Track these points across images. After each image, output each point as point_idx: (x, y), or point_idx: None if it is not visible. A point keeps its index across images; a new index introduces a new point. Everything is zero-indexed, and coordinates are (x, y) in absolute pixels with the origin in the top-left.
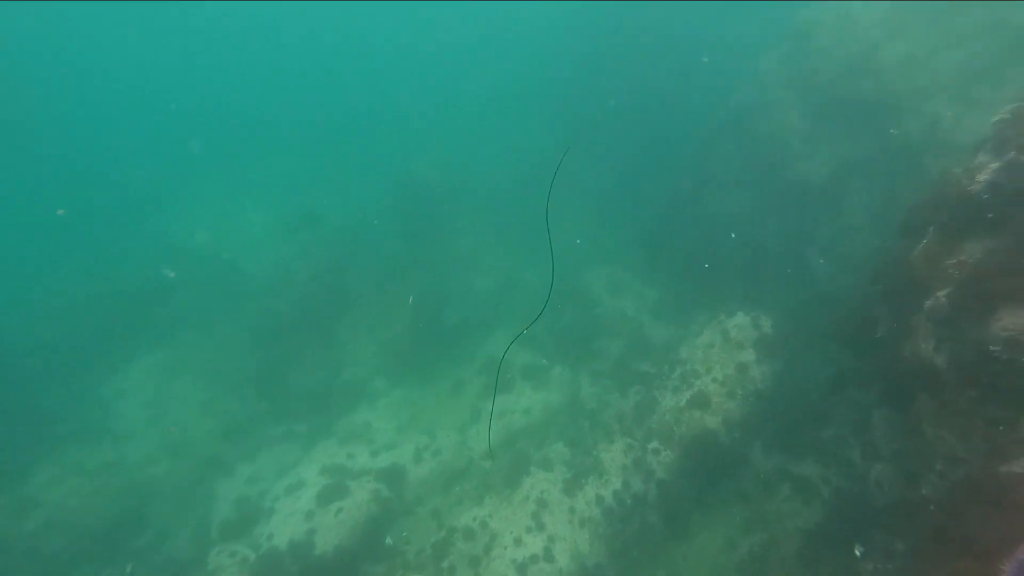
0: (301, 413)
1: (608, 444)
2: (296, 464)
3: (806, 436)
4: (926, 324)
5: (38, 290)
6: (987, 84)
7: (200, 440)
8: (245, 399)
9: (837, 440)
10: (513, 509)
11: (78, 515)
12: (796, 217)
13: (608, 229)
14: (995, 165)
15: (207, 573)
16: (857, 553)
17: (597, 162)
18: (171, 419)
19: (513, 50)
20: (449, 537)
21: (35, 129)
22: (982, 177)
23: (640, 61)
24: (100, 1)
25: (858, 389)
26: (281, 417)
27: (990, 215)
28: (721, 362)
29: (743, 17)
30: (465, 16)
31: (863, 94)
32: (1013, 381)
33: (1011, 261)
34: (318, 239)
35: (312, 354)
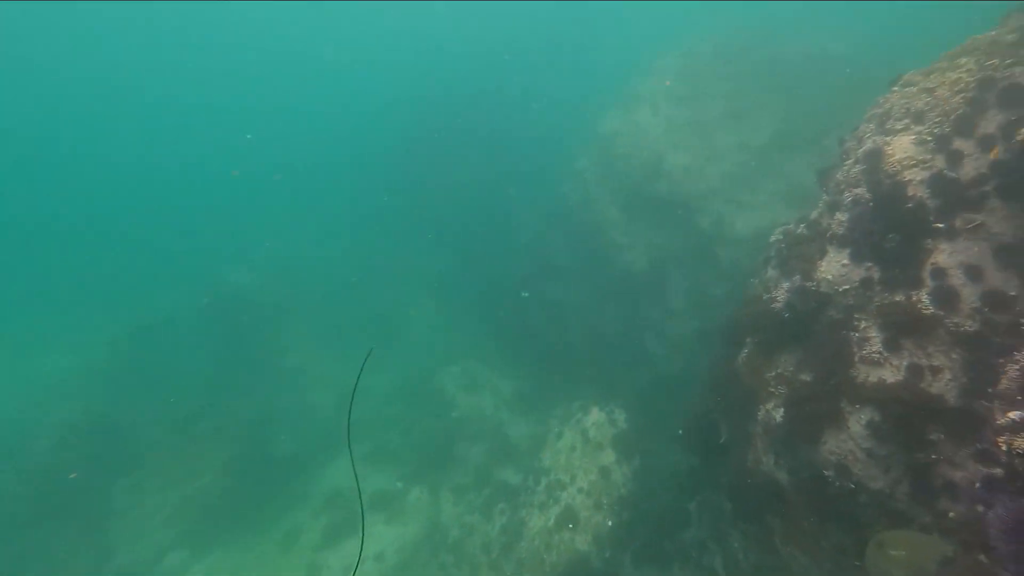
0: None
1: None
2: None
3: (670, 541)
4: (763, 437)
5: None
6: (746, 190)
7: None
8: None
9: (699, 545)
10: None
11: None
12: (629, 303)
13: (457, 320)
14: (787, 285)
15: None
16: None
17: (438, 251)
18: None
19: (335, 141)
20: None
21: None
22: (780, 296)
23: (473, 153)
24: None
25: (712, 491)
26: None
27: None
28: (584, 468)
29: (557, 122)
30: (285, 100)
31: (662, 194)
32: (848, 507)
33: (822, 382)
34: (84, 377)
35: (64, 544)
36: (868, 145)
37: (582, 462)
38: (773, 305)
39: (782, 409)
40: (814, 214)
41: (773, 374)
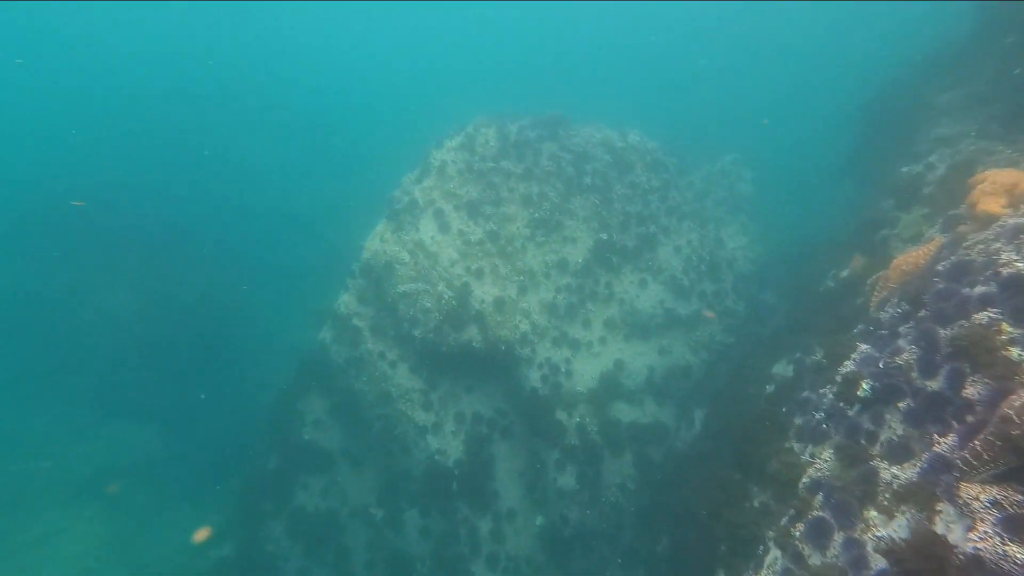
0: None
1: None
2: None
3: None
4: None
5: None
6: (576, 324)
7: None
8: None
9: None
10: None
11: None
12: (441, 510)
13: (145, 546)
14: None
15: None
16: None
17: (112, 418)
18: None
19: None
20: None
21: None
22: None
23: (174, 268)
24: None
25: None
26: None
27: None
28: None
29: (303, 238)
30: None
31: (472, 344)
32: None
33: None
34: None
35: None
36: None
37: None
38: None
39: None
40: None
41: None
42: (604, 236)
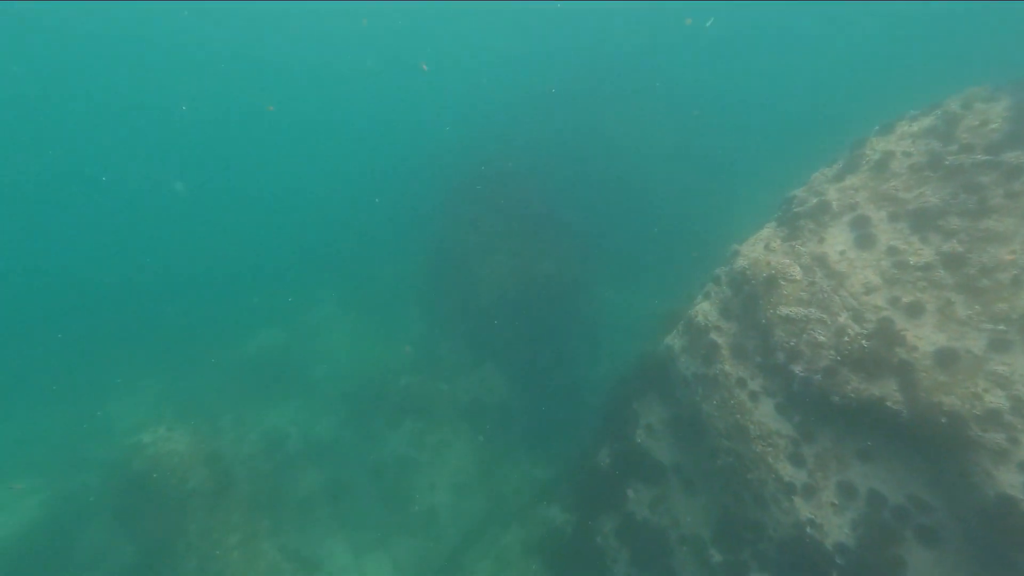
0: None
1: None
2: None
3: None
4: None
5: None
6: None
7: None
8: None
9: None
10: None
11: None
12: None
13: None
14: None
15: None
16: None
17: (477, 369)
18: None
19: None
20: None
21: None
22: None
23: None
24: None
25: None
26: None
27: None
28: None
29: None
30: None
31: (887, 404)
32: None
33: None
34: None
35: None
36: None
37: None
38: None
39: None
40: None
41: None
42: None
